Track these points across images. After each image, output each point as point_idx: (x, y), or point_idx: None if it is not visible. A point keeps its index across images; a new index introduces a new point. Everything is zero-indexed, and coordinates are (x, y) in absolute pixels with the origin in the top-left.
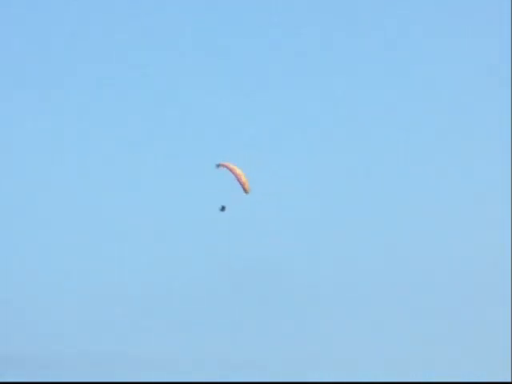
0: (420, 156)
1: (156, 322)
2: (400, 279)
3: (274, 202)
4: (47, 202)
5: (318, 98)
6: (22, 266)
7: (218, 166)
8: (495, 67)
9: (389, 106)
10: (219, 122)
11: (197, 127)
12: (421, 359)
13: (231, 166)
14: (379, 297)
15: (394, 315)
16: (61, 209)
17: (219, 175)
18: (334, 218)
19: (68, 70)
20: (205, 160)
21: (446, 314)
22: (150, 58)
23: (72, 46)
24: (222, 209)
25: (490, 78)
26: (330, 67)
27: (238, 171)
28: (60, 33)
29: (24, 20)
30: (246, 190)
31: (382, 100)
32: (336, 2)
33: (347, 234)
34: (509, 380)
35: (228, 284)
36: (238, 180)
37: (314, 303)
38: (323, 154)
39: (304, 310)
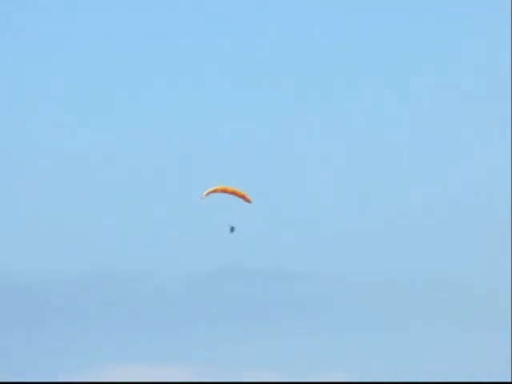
0: None
1: None
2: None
3: None
4: None
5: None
6: None
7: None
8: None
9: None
10: None
11: None
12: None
13: (219, 188)
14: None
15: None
16: None
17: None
18: None
19: None
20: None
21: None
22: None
23: None
24: (232, 230)
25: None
26: None
27: (230, 189)
28: None
29: None
30: (248, 200)
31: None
32: None
33: None
34: (509, 380)
35: None
36: (236, 195)
37: None
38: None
39: None
